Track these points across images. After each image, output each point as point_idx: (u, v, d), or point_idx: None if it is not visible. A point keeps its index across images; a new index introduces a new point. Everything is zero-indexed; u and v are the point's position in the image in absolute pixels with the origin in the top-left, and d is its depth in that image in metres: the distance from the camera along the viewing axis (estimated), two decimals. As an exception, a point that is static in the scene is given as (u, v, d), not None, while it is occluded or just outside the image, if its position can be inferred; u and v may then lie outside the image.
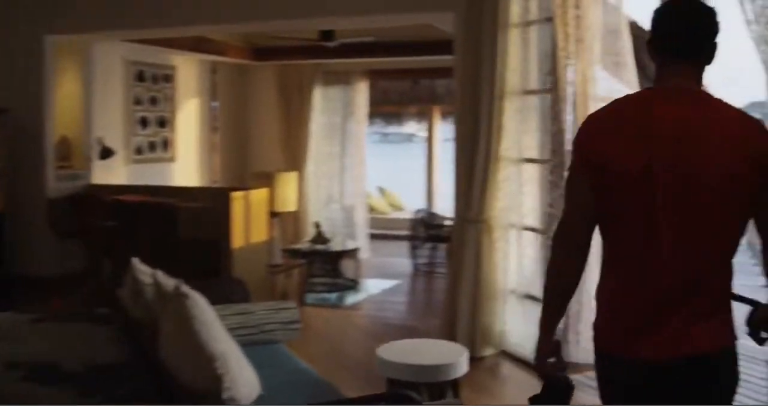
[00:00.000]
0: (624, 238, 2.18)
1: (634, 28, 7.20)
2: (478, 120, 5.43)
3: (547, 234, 5.19)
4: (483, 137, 5.40)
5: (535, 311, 5.37)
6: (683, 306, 2.12)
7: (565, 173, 4.85)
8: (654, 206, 2.09)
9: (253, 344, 3.48)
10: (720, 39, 2.19)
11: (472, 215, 5.49)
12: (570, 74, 5.08)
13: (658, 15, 2.22)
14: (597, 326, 2.26)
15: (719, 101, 2.15)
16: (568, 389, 2.28)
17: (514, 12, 5.35)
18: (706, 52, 2.19)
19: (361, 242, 10.22)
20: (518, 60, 5.37)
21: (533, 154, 5.41)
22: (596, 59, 5.04)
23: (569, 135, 5.05)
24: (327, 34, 8.30)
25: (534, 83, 5.36)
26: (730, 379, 2.20)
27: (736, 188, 2.08)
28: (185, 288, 2.77)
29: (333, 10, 6.68)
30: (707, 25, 2.18)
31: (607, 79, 5.17)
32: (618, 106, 2.24)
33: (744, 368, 2.26)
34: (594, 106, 5.09)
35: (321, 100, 10.59)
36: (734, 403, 2.21)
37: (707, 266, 2.13)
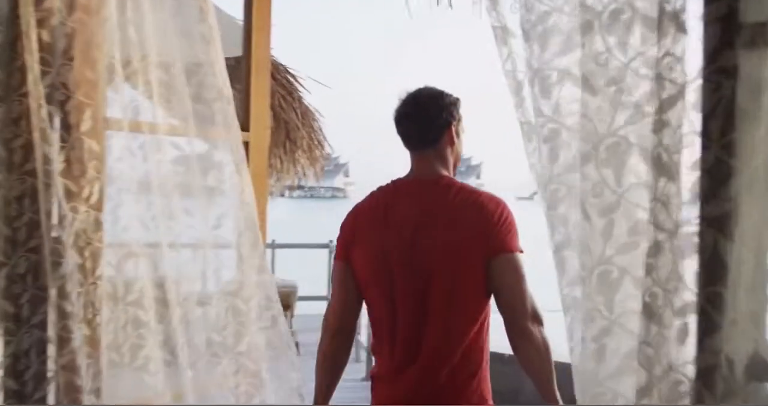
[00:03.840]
0: (375, 319, 2.49)
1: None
2: None
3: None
4: None
5: None
6: (430, 382, 2.34)
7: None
8: (392, 291, 2.37)
9: None
10: (455, 121, 2.45)
11: None
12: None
13: (394, 115, 2.48)
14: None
15: (458, 187, 2.40)
16: None
17: None
18: (440, 138, 2.42)
19: None
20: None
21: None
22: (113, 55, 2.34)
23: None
24: None
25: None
26: None
27: (467, 268, 2.31)
28: None
29: None
30: (431, 116, 2.42)
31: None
32: (370, 198, 2.52)
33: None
34: (121, 136, 2.45)
35: None
36: None
37: (448, 344, 2.31)
